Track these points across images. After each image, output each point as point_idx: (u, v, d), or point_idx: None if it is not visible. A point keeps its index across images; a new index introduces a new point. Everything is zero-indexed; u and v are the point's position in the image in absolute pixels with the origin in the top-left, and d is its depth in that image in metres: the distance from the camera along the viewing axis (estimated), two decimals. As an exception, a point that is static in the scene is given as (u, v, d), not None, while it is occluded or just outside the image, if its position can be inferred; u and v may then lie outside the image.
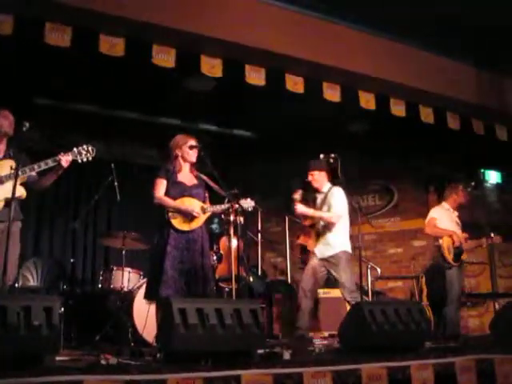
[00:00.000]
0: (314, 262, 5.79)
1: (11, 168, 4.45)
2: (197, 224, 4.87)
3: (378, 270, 7.97)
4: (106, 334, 5.94)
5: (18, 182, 4.44)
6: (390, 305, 4.37)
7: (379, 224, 9.02)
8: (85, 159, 4.77)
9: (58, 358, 3.57)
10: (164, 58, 4.99)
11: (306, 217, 5.99)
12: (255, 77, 5.42)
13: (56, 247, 8.03)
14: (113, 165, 6.42)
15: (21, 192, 4.54)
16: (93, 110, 7.89)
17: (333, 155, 5.54)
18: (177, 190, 4.88)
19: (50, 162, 4.59)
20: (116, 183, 6.44)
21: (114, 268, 6.46)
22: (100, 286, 6.56)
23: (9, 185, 4.43)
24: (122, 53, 4.88)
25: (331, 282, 6.00)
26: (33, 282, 6.92)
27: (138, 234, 6.60)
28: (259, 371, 3.26)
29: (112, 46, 4.87)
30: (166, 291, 4.57)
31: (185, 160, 4.99)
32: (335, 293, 6.42)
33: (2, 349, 3.02)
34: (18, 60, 5.96)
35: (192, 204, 4.87)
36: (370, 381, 3.49)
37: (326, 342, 5.81)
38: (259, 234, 8.23)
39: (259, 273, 8.04)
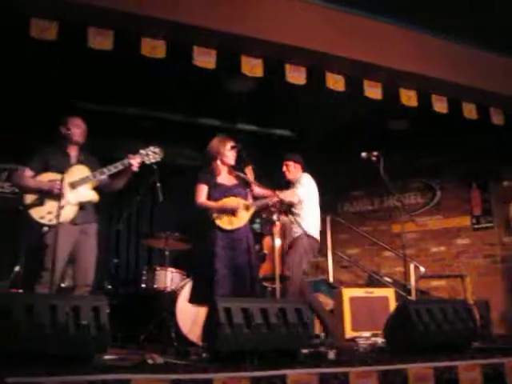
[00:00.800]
0: None
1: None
2: (240, 223, 4.86)
3: (422, 268, 7.88)
4: (151, 333, 5.99)
5: (90, 187, 4.56)
6: (435, 304, 4.30)
7: (421, 222, 8.90)
8: (153, 160, 4.83)
9: (105, 357, 3.62)
10: (205, 59, 5.01)
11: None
12: (295, 76, 5.41)
13: (100, 248, 8.13)
14: (155, 166, 6.47)
15: (93, 196, 4.66)
16: (134, 113, 7.98)
17: (375, 153, 5.47)
18: (219, 192, 4.90)
19: (120, 166, 4.66)
20: (158, 184, 6.49)
21: (157, 268, 6.53)
22: (143, 286, 6.63)
23: (82, 189, 4.54)
24: (163, 55, 4.92)
25: (374, 282, 5.91)
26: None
27: (180, 235, 6.65)
28: (305, 371, 3.24)
29: (153, 48, 4.91)
30: (221, 291, 4.54)
31: (223, 163, 5.01)
32: (379, 292, 6.34)
33: (52, 348, 3.09)
34: (63, 64, 6.07)
35: (234, 201, 4.88)
36: (417, 381, 3.44)
37: (369, 341, 5.75)
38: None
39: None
